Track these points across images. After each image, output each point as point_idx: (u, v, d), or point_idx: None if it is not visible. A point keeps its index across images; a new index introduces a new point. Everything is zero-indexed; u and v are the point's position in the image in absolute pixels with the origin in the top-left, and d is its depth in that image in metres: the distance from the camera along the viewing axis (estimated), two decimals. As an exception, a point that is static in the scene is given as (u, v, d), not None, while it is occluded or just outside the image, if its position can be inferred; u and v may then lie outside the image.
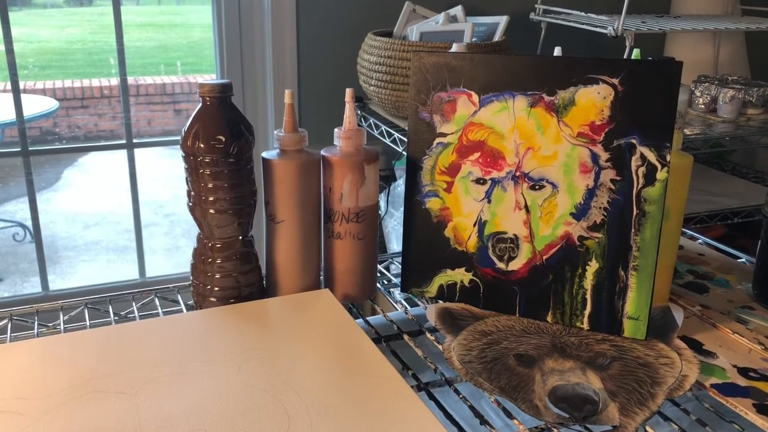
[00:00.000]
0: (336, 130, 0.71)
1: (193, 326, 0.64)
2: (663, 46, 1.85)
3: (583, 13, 1.56)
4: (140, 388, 0.54)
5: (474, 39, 1.41)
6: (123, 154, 1.86)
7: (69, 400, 0.53)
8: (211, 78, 1.92)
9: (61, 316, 0.70)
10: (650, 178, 0.63)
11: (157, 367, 0.57)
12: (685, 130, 1.33)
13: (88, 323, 0.69)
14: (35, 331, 0.68)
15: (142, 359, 0.58)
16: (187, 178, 0.67)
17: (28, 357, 0.59)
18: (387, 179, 1.71)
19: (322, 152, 0.71)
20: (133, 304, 0.73)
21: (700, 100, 1.56)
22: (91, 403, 0.52)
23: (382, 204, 1.58)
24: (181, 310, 0.73)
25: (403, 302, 0.78)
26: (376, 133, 1.52)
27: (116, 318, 0.71)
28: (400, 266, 0.77)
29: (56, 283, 2.71)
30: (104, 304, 0.73)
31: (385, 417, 0.52)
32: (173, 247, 3.06)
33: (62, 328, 0.69)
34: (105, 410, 0.52)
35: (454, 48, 1.08)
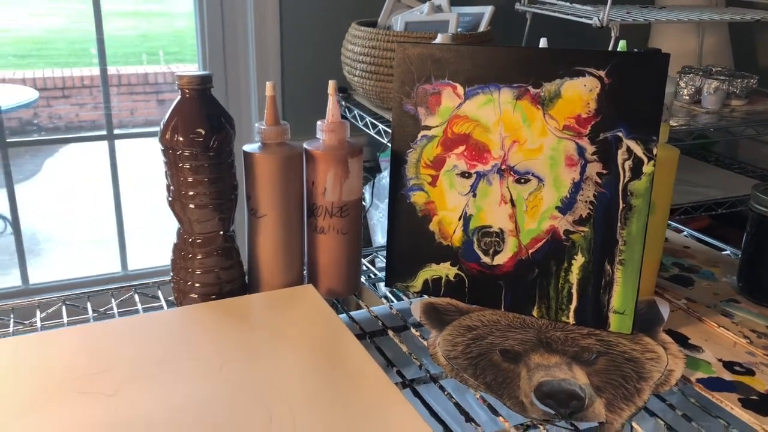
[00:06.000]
0: (319, 123, 0.69)
1: (173, 324, 0.63)
2: (647, 36, 1.85)
3: (568, 3, 1.56)
4: (118, 389, 0.53)
5: (459, 29, 1.39)
6: (104, 144, 1.83)
7: (44, 402, 0.52)
8: (193, 68, 1.90)
9: (38, 313, 0.69)
10: (637, 171, 0.63)
11: (136, 366, 0.56)
12: (670, 122, 1.33)
13: (65, 320, 0.68)
14: (11, 329, 0.66)
15: (121, 359, 0.57)
16: (166, 172, 0.65)
17: (2, 357, 0.57)
18: (372, 171, 1.70)
19: (305, 145, 0.69)
20: (113, 300, 0.72)
21: (685, 91, 1.56)
22: (67, 405, 0.51)
23: (367, 196, 1.57)
24: (161, 307, 0.71)
25: (389, 295, 0.77)
26: (360, 124, 1.50)
27: (95, 315, 0.70)
28: (384, 260, 0.76)
29: (37, 276, 2.68)
30: (83, 300, 0.71)
31: (370, 416, 0.51)
32: (159, 238, 3.02)
33: (39, 325, 0.67)
34: (81, 412, 0.50)
35: (439, 38, 1.06)
